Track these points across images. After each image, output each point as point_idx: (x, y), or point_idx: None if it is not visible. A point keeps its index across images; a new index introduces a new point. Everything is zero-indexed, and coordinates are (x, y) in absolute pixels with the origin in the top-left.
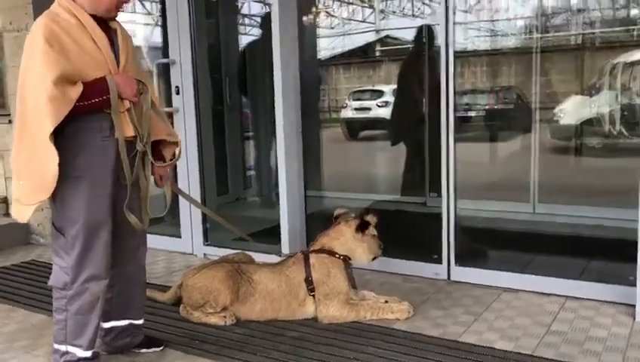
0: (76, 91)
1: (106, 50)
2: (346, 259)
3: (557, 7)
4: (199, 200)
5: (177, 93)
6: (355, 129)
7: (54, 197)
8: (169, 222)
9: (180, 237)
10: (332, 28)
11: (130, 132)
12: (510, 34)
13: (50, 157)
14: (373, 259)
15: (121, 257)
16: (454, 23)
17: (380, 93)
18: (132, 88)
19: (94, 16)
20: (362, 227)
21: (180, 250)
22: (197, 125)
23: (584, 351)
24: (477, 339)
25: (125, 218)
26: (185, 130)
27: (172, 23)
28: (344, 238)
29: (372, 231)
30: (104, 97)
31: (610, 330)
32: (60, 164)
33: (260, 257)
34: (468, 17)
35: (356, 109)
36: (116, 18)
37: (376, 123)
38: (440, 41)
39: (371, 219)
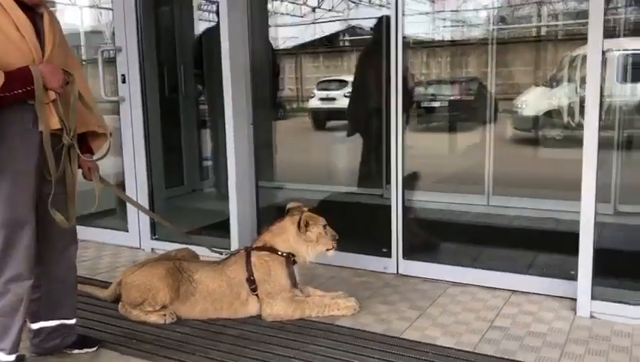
0: None
1: (30, 38)
2: (289, 257)
3: None
4: (146, 193)
5: (123, 81)
6: (321, 119)
7: None
8: (118, 215)
9: (127, 231)
10: (302, 16)
11: (55, 124)
12: (473, 25)
13: None
14: (328, 251)
15: (49, 256)
16: (404, 14)
17: (346, 84)
18: (58, 79)
19: (18, 1)
20: (305, 225)
21: (127, 244)
22: (144, 115)
23: (524, 346)
24: (420, 336)
25: (50, 215)
26: (131, 120)
27: (117, 8)
28: (286, 235)
29: (318, 229)
30: (28, 88)
31: (551, 325)
32: None
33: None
34: (425, 8)
35: (322, 99)
36: (43, 3)
37: (341, 113)
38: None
39: (312, 218)
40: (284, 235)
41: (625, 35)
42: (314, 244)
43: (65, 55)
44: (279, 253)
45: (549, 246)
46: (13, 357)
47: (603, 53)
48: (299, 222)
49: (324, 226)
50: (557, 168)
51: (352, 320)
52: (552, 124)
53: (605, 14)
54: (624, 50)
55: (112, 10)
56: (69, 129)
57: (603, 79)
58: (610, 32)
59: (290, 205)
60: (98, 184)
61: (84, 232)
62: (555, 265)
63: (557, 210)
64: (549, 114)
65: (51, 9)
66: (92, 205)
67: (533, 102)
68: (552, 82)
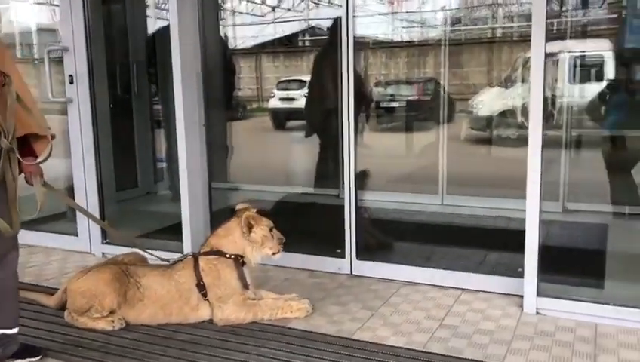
0: None
1: None
2: (238, 258)
3: (475, 0)
4: (96, 196)
5: (71, 82)
6: (281, 119)
7: None
8: (67, 219)
9: (76, 235)
10: (262, 16)
11: None
12: (430, 26)
13: None
14: (274, 254)
15: None
16: (354, 15)
17: (306, 84)
18: None
19: None
20: (247, 226)
21: (77, 249)
22: (93, 116)
23: (472, 344)
24: (371, 336)
25: None
26: (80, 120)
27: (64, 5)
28: (233, 237)
29: (262, 231)
30: None
31: (498, 322)
32: None
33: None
34: (383, 9)
35: (282, 99)
36: None
37: (301, 113)
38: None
39: (256, 219)
40: (231, 237)
41: (572, 38)
42: (258, 246)
43: (0, 55)
44: (227, 255)
45: (500, 244)
46: None
47: (546, 55)
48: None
49: (271, 229)
50: (510, 167)
51: (304, 322)
52: (506, 124)
53: (550, 17)
54: (569, 52)
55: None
56: (6, 132)
57: (554, 80)
58: (557, 35)
59: (238, 206)
60: (39, 189)
61: (31, 237)
62: (504, 263)
63: (508, 208)
64: (503, 114)
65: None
66: (34, 211)
67: (488, 102)
68: (507, 83)
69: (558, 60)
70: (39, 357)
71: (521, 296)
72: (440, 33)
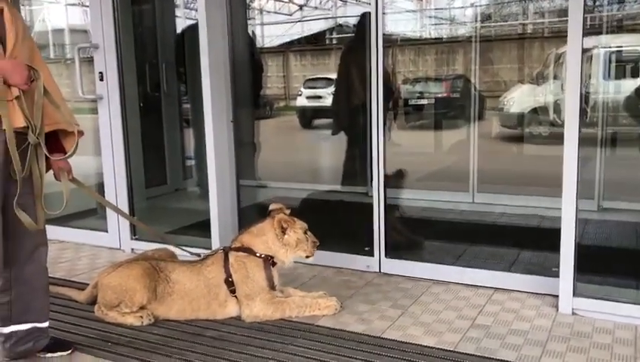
0: None
1: None
2: (267, 259)
3: None
4: (125, 193)
5: (101, 79)
6: (308, 117)
7: None
8: (97, 216)
9: (106, 231)
10: (290, 14)
11: (20, 122)
12: (459, 23)
13: None
14: (307, 257)
15: (17, 258)
16: (384, 12)
17: (333, 82)
18: (21, 75)
19: None
20: (280, 229)
21: (107, 245)
22: (122, 113)
23: (505, 344)
24: (401, 335)
25: (18, 217)
26: (110, 118)
27: (94, 4)
28: (265, 237)
29: (296, 234)
30: None
31: (532, 322)
32: None
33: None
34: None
35: (309, 97)
36: None
37: (328, 111)
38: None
39: (289, 222)
40: (264, 237)
41: (609, 33)
42: (292, 249)
43: (30, 52)
44: (257, 254)
45: (533, 243)
46: None
47: (583, 50)
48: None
49: (305, 231)
50: (542, 165)
51: (332, 320)
52: (538, 121)
53: (586, 12)
54: (604, 47)
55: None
56: (34, 127)
57: (588, 76)
58: (593, 30)
59: (272, 206)
60: (66, 185)
61: (62, 233)
62: (537, 262)
63: (541, 206)
64: (535, 111)
65: (36, 7)
66: (61, 206)
67: (519, 99)
68: (538, 79)
69: (592, 56)
70: (70, 351)
71: (556, 296)
72: (470, 30)
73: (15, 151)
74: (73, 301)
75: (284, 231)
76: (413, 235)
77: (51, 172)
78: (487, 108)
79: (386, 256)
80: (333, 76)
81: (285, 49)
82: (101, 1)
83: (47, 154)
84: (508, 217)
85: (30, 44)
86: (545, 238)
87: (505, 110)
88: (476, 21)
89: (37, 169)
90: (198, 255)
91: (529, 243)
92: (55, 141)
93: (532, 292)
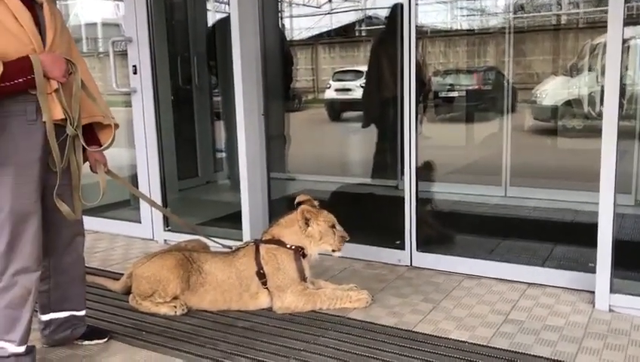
0: None
1: (30, 28)
2: (298, 250)
3: None
4: (158, 184)
5: (135, 72)
6: (336, 110)
7: None
8: (131, 207)
9: (140, 222)
10: (319, 7)
11: (59, 114)
12: (491, 14)
13: None
14: (333, 251)
15: (55, 248)
16: (417, 3)
17: (362, 74)
18: (60, 68)
19: None
20: (304, 220)
21: (140, 236)
22: (155, 106)
23: (540, 340)
24: (433, 329)
25: (56, 207)
26: (143, 110)
27: None
28: (294, 228)
29: (319, 226)
30: (28, 77)
31: (568, 319)
32: None
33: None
34: None
35: (338, 90)
36: None
37: (357, 104)
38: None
39: (313, 213)
40: (292, 228)
41: None
42: (316, 241)
43: (68, 46)
44: (287, 246)
45: (568, 238)
46: (23, 348)
47: (623, 41)
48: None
49: (332, 225)
50: (576, 159)
51: (363, 313)
52: (572, 114)
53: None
54: None
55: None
56: (72, 119)
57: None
58: (630, 20)
59: (299, 198)
60: (102, 176)
61: (97, 224)
62: (573, 258)
63: (576, 201)
64: (568, 104)
65: (70, 1)
66: (97, 198)
67: (552, 91)
68: (573, 71)
69: (629, 47)
70: (105, 339)
71: (592, 292)
72: (502, 21)
73: (55, 142)
74: (108, 290)
75: (307, 222)
76: (445, 229)
77: (87, 164)
78: (520, 101)
79: (417, 249)
80: (363, 69)
81: (314, 41)
82: None
83: (85, 146)
84: (541, 211)
85: (68, 38)
86: (580, 233)
87: (538, 102)
88: (509, 12)
89: (75, 160)
90: (230, 247)
91: (564, 237)
92: (91, 133)
93: (567, 288)
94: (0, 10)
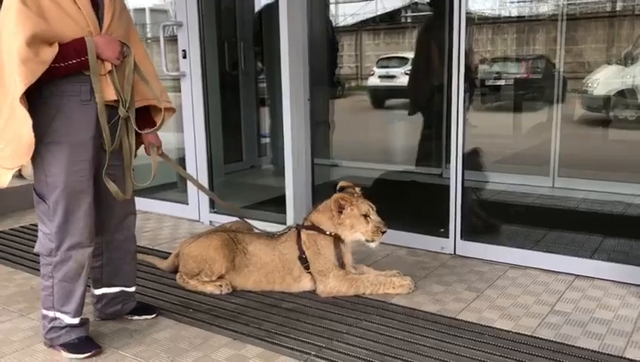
0: (51, 52)
1: (87, 10)
2: (337, 236)
3: None
4: (205, 168)
5: (184, 57)
6: (380, 97)
7: (34, 162)
8: (179, 189)
9: (187, 203)
10: None
11: (111, 95)
12: (541, 0)
13: (24, 121)
14: (367, 241)
15: (108, 226)
16: None
17: (407, 61)
18: (114, 50)
19: None
20: (337, 208)
21: (187, 217)
22: (204, 90)
23: (586, 332)
24: (476, 317)
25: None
26: (192, 95)
27: None
28: (329, 215)
29: (352, 214)
30: (81, 58)
31: (617, 312)
32: (38, 129)
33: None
34: None
35: (382, 77)
36: None
37: (400, 91)
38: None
39: (348, 200)
40: (328, 214)
41: None
42: (348, 230)
43: (126, 28)
44: (326, 232)
45: (617, 230)
46: (77, 320)
47: None
48: (334, 206)
49: (366, 215)
50: (628, 150)
51: (406, 299)
52: (624, 104)
53: None
54: None
55: None
56: (124, 101)
57: None
58: None
59: (341, 183)
60: (155, 158)
61: (146, 204)
62: (623, 251)
63: (627, 193)
64: (621, 94)
65: None
66: (148, 178)
67: (604, 81)
68: (627, 60)
69: None
70: (154, 315)
71: None
72: (553, 8)
73: (105, 122)
74: (157, 268)
75: (341, 210)
76: (490, 218)
77: (142, 146)
78: (570, 90)
79: (461, 237)
80: (407, 55)
81: (358, 28)
82: None
83: (137, 128)
84: (590, 203)
85: (127, 21)
86: (631, 226)
87: (589, 92)
88: None
89: (127, 141)
90: (273, 235)
91: (613, 230)
92: (147, 116)
93: (616, 281)
94: None
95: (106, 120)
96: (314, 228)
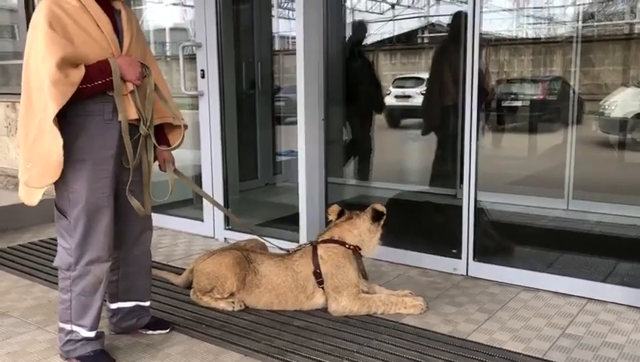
0: (79, 74)
1: (109, 33)
2: (357, 250)
3: None
4: (221, 185)
5: (202, 76)
6: (396, 117)
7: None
8: (194, 206)
9: (202, 220)
10: (381, 13)
11: (133, 115)
12: (558, 22)
13: (54, 141)
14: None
15: (125, 241)
16: (481, 11)
17: (422, 81)
18: (135, 71)
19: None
20: (377, 218)
21: (202, 233)
22: (221, 109)
23: (598, 357)
24: (487, 339)
25: (128, 202)
26: (209, 113)
27: (198, 5)
28: (358, 230)
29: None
30: (107, 79)
31: (629, 337)
32: (63, 148)
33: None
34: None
35: (398, 97)
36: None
37: (416, 111)
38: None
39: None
40: (356, 230)
41: None
42: (379, 239)
43: (142, 49)
44: (347, 245)
45: (632, 254)
46: (93, 333)
47: None
48: (373, 216)
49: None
50: None
51: (417, 320)
52: None
53: None
54: None
55: (193, 7)
56: (145, 119)
57: None
58: None
59: (374, 206)
60: (171, 175)
61: (161, 220)
62: (636, 275)
63: None
64: (639, 116)
65: (138, 7)
66: (166, 195)
67: (622, 103)
68: None
69: None
70: (168, 330)
71: None
72: (570, 29)
73: (129, 141)
74: (171, 284)
75: (379, 221)
76: (503, 240)
77: (156, 163)
78: (586, 112)
79: (474, 259)
80: (423, 76)
81: (375, 48)
82: (205, 1)
83: (156, 145)
84: (605, 226)
85: (143, 42)
86: None
87: (606, 114)
88: (577, 20)
89: (146, 158)
90: (287, 250)
91: (628, 254)
92: (161, 134)
93: (630, 306)
94: (85, 18)
95: (129, 138)
96: (334, 241)
